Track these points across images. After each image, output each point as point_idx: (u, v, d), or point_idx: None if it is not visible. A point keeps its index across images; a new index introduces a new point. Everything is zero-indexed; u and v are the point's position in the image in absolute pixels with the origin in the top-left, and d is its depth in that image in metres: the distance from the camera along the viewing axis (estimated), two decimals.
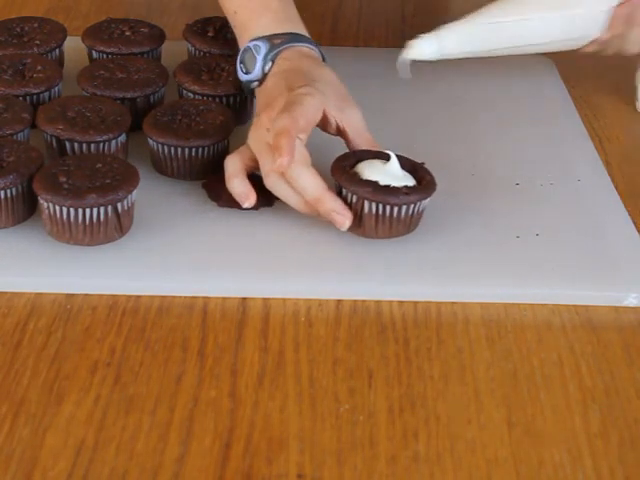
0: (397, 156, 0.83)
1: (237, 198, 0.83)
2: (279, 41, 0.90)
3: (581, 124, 1.02)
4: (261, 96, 0.89)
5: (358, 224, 0.82)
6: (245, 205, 0.83)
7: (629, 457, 0.66)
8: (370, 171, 0.81)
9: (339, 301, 0.78)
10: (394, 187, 0.80)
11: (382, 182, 0.80)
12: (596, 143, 0.99)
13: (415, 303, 0.78)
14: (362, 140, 0.85)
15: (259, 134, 0.83)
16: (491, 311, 0.78)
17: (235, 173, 0.84)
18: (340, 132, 0.86)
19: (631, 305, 0.79)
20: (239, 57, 0.92)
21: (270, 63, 0.89)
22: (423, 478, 0.64)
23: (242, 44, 0.93)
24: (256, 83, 0.90)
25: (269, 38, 0.90)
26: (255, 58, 0.90)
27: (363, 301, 0.78)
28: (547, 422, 0.69)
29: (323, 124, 0.85)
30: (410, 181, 0.82)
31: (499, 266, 0.81)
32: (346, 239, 0.82)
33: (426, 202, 0.82)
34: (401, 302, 0.78)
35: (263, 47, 0.90)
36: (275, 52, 0.89)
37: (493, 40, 1.00)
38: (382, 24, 1.22)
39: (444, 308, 0.78)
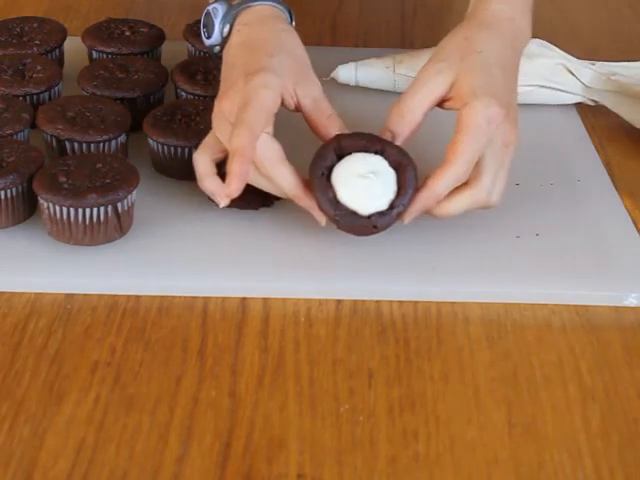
0: (386, 149, 0.80)
1: (211, 197, 0.82)
2: (236, 1, 0.87)
3: (581, 124, 1.02)
4: (224, 70, 0.85)
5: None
6: (221, 204, 0.81)
7: (629, 457, 0.66)
8: (345, 187, 0.78)
9: (339, 301, 0.78)
10: (363, 218, 0.78)
11: (352, 206, 0.78)
12: (596, 143, 0.99)
13: (415, 303, 0.78)
14: (320, 113, 0.82)
15: (224, 126, 0.81)
16: (491, 311, 0.78)
17: (205, 172, 0.82)
18: (298, 108, 0.83)
19: (631, 305, 0.79)
20: (202, 21, 0.90)
21: (228, 26, 0.87)
22: (423, 478, 0.64)
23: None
24: (218, 48, 0.88)
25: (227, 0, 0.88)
26: (213, 22, 0.88)
27: (363, 301, 0.78)
28: (547, 422, 0.69)
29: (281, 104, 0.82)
30: (387, 196, 0.78)
31: (499, 266, 0.81)
32: (346, 239, 0.82)
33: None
34: (401, 302, 0.78)
35: (220, 9, 0.88)
36: (232, 14, 0.87)
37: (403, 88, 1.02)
38: (382, 24, 1.22)
39: (444, 308, 0.78)
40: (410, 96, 0.82)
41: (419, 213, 0.80)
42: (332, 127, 0.82)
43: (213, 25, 0.88)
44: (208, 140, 0.83)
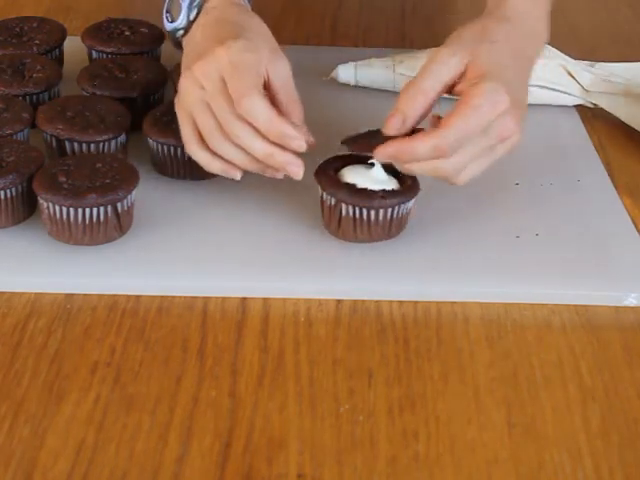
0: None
1: (224, 174, 0.81)
2: None
3: (581, 124, 1.02)
4: (189, 49, 0.85)
5: (337, 227, 0.81)
6: (232, 175, 0.81)
7: (629, 457, 0.66)
8: (352, 175, 0.81)
9: (339, 301, 0.78)
10: (371, 190, 0.80)
11: (360, 185, 0.80)
12: (596, 143, 0.99)
13: (415, 303, 0.78)
14: (286, 97, 0.81)
15: (195, 94, 0.80)
16: (491, 311, 0.78)
17: (198, 147, 0.81)
18: (267, 86, 0.80)
19: (631, 305, 0.79)
20: (165, 6, 0.91)
21: (195, 10, 0.87)
22: (423, 478, 0.64)
23: None
24: (181, 32, 0.89)
25: None
26: (180, 5, 0.89)
27: (363, 301, 0.78)
28: (547, 422, 0.68)
29: None
30: (392, 185, 0.81)
31: (499, 266, 0.81)
32: (346, 240, 0.82)
33: (408, 206, 0.81)
34: (401, 302, 0.78)
35: None
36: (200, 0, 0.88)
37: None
38: (382, 24, 1.22)
39: (444, 308, 0.78)
40: (423, 78, 0.79)
41: (387, 157, 0.78)
42: (294, 113, 0.81)
43: (180, 8, 0.89)
44: (183, 119, 0.82)
